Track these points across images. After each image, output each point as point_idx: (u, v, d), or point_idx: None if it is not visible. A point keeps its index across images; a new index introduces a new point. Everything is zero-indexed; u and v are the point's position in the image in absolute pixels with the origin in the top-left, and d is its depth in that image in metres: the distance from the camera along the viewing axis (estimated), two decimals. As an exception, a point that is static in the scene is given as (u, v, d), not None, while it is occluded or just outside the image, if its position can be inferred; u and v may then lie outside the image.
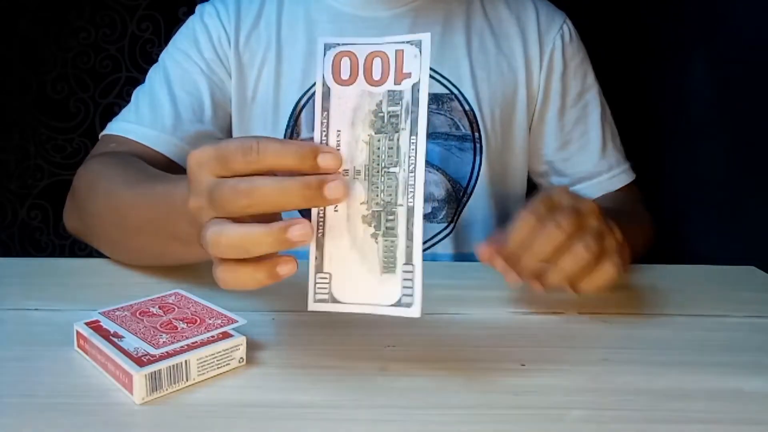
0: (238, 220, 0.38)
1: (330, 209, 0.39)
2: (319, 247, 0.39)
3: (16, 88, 1.31)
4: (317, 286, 0.39)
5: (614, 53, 0.83)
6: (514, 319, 0.53)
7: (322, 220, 0.39)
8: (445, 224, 0.74)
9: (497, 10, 0.79)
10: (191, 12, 0.80)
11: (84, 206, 0.65)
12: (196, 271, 0.62)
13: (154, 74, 0.77)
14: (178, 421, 0.37)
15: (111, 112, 1.27)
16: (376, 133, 0.38)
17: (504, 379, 0.43)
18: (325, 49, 0.39)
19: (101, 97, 1.31)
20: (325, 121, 0.39)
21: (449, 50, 0.76)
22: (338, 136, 0.39)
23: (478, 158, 0.75)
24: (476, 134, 0.75)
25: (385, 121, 0.38)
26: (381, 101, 0.38)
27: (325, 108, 0.39)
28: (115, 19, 1.31)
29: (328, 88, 0.39)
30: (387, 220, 0.38)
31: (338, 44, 0.39)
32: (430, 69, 0.75)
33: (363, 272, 0.38)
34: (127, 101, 0.78)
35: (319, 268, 0.39)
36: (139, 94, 0.77)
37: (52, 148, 1.33)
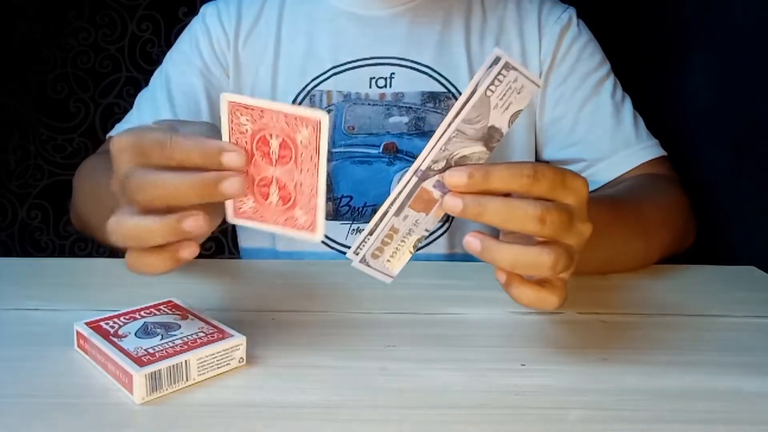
0: (149, 210, 0.39)
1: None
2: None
3: (16, 88, 1.31)
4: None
5: (613, 54, 0.83)
6: (514, 319, 0.53)
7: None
8: (440, 223, 0.74)
9: (499, 9, 0.78)
10: (191, 12, 0.81)
11: (75, 199, 0.71)
12: (197, 270, 0.62)
13: (156, 77, 0.80)
14: (178, 421, 0.37)
15: (111, 112, 1.27)
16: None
17: (504, 379, 0.43)
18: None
19: (101, 97, 1.31)
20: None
21: (447, 48, 0.76)
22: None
23: None
24: None
25: None
26: None
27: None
28: (115, 19, 1.31)
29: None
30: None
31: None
32: (428, 67, 0.76)
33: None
34: (127, 101, 0.79)
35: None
36: (141, 97, 0.79)
37: (52, 148, 1.33)
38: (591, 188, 0.75)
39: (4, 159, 1.33)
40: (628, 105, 0.77)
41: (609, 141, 0.75)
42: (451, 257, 0.75)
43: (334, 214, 0.74)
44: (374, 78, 0.75)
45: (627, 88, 0.79)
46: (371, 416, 0.38)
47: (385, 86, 0.75)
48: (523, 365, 0.45)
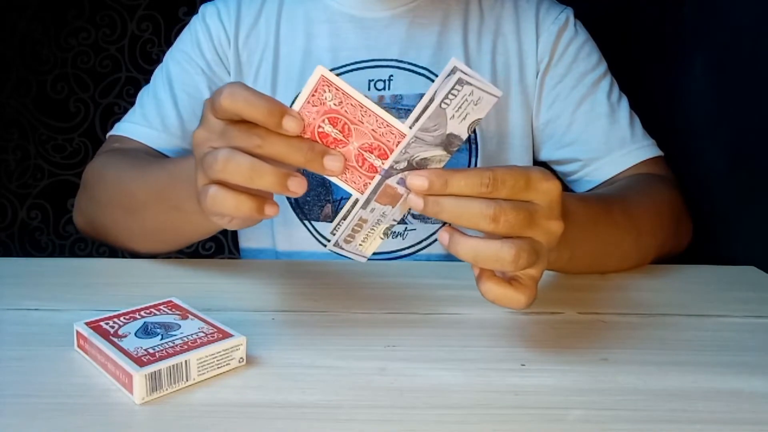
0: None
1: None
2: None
3: (16, 88, 1.31)
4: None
5: (612, 54, 0.82)
6: (514, 319, 0.53)
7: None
8: (440, 225, 0.74)
9: (496, 9, 0.78)
10: (191, 12, 0.81)
11: (94, 197, 0.69)
12: (197, 270, 0.62)
13: (157, 75, 0.79)
14: (178, 421, 0.37)
15: (111, 112, 1.27)
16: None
17: (504, 379, 0.43)
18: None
19: (101, 97, 1.31)
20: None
21: (445, 50, 0.76)
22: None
23: (474, 160, 0.75)
24: (471, 135, 0.75)
25: None
26: None
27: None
28: (115, 19, 1.31)
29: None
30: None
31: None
32: (426, 69, 0.76)
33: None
34: (127, 101, 0.79)
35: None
36: (143, 96, 0.79)
37: (52, 148, 1.33)
38: (586, 188, 0.76)
39: (4, 159, 1.33)
40: (624, 105, 0.77)
41: (604, 140, 0.75)
42: (451, 257, 0.75)
43: (333, 216, 0.74)
44: (373, 80, 0.75)
45: (626, 88, 0.79)
46: (371, 416, 0.38)
47: (384, 88, 0.75)
48: (523, 365, 0.45)
